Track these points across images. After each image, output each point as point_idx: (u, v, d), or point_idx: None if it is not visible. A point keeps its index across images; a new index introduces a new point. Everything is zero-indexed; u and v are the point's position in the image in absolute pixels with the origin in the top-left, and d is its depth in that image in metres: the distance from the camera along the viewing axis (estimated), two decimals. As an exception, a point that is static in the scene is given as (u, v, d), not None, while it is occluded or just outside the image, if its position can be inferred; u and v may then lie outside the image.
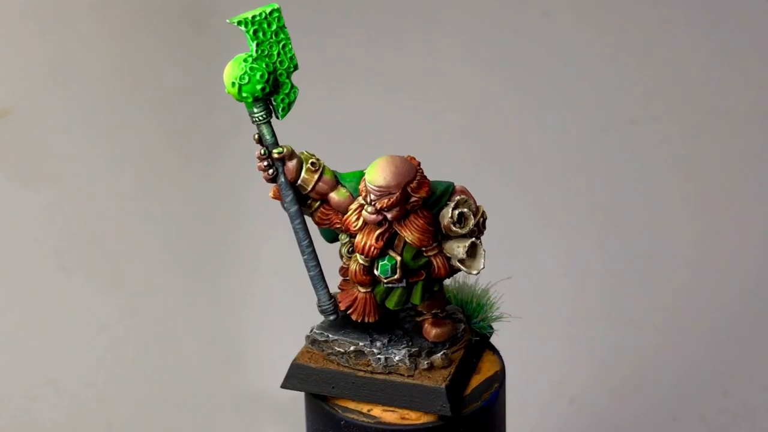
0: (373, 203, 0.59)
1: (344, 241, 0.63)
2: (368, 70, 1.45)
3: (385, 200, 0.59)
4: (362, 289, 0.63)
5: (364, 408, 0.64)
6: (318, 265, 0.64)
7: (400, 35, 1.48)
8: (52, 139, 1.38)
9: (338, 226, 0.63)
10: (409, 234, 0.60)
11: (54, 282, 1.22)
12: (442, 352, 0.64)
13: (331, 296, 0.65)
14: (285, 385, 0.65)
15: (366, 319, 0.64)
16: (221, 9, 1.49)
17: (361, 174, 0.61)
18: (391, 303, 0.63)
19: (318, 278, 0.64)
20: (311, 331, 0.65)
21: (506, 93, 1.44)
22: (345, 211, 0.62)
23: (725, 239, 1.25)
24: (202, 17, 1.48)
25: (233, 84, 0.59)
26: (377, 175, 0.59)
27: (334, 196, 0.62)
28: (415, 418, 0.63)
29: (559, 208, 1.31)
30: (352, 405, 0.64)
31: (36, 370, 1.13)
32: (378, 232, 0.60)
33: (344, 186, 0.62)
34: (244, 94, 0.59)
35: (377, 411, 0.63)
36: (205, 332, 1.17)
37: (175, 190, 1.33)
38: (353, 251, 0.62)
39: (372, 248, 0.60)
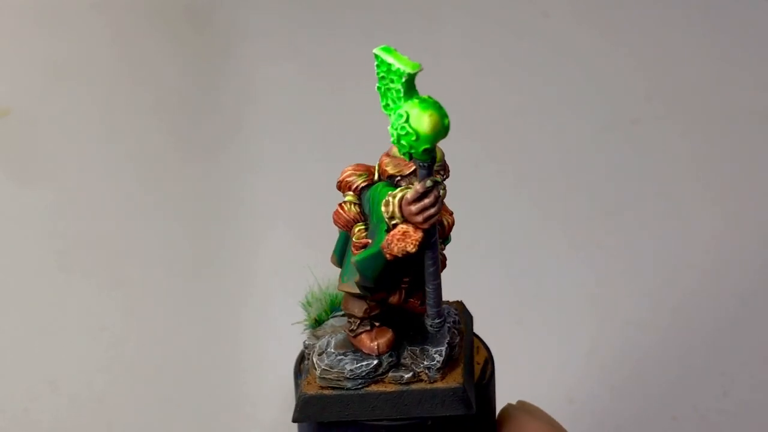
0: (443, 176, 0.56)
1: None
2: (367, 70, 1.45)
3: (447, 165, 0.57)
4: None
5: None
6: None
7: (400, 35, 1.48)
8: (52, 139, 1.38)
9: None
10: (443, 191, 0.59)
11: (54, 282, 1.22)
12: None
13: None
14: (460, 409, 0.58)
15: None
16: (221, 9, 1.49)
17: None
18: None
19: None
20: (431, 370, 0.59)
21: (506, 93, 1.44)
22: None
23: (726, 238, 1.25)
24: (202, 17, 1.48)
25: (448, 123, 0.51)
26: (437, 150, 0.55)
27: None
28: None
29: (559, 207, 1.31)
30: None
31: (36, 370, 1.13)
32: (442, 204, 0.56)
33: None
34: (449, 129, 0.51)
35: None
36: (205, 332, 1.17)
37: (175, 190, 1.33)
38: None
39: (453, 219, 0.58)
